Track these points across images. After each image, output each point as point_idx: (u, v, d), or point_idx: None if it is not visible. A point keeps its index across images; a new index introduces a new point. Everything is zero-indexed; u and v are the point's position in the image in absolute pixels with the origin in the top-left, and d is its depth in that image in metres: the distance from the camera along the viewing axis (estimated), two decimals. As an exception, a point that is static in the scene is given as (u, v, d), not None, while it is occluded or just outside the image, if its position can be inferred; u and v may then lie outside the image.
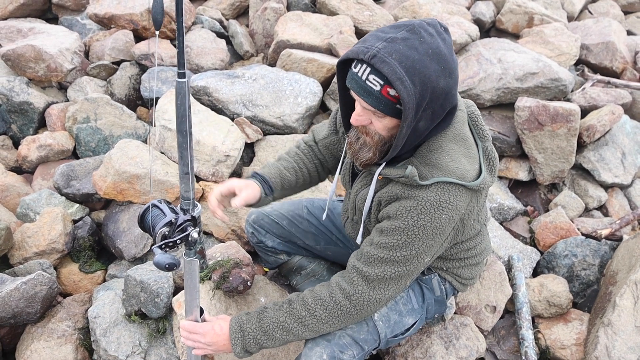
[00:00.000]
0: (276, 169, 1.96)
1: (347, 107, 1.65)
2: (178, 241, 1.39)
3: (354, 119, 1.54)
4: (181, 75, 1.26)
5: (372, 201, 1.68)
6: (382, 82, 1.40)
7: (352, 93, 1.50)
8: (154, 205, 1.41)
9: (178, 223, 1.38)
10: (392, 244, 1.57)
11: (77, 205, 2.71)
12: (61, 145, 2.96)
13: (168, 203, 1.43)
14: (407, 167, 1.52)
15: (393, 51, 1.38)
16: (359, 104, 1.51)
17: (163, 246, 1.37)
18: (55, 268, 2.50)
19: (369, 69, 1.41)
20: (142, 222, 1.43)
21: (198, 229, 1.43)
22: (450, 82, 1.45)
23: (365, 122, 1.54)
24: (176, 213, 1.40)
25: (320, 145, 2.04)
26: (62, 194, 2.71)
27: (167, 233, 1.37)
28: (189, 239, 1.42)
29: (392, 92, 1.41)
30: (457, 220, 1.61)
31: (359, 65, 1.44)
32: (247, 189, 1.82)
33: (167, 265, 1.33)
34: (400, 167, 1.56)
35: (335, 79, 3.27)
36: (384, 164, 1.61)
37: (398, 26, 1.44)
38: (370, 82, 1.42)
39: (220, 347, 1.68)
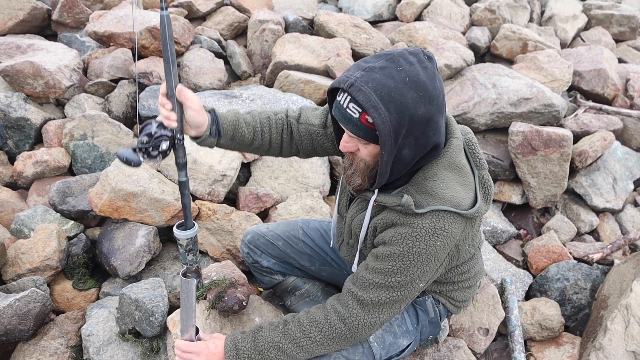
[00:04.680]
0: (235, 119, 1.80)
1: (340, 134, 1.68)
2: (150, 149, 1.56)
3: (342, 145, 1.58)
4: (164, 9, 1.47)
5: (367, 227, 1.69)
6: (360, 110, 1.44)
7: (338, 121, 1.54)
8: (150, 123, 1.61)
9: (156, 135, 1.57)
10: (387, 269, 1.59)
11: (72, 222, 2.70)
12: (57, 162, 2.96)
13: (163, 127, 1.60)
14: (403, 195, 1.55)
15: (369, 80, 1.42)
16: (345, 131, 1.55)
17: (136, 149, 1.55)
18: (48, 285, 2.48)
19: (349, 97, 1.46)
20: (140, 134, 1.61)
21: (169, 143, 1.60)
22: (432, 109, 1.46)
23: (352, 148, 1.57)
24: (162, 129, 1.60)
25: (303, 127, 1.90)
26: (57, 211, 2.70)
27: (145, 141, 1.56)
28: (159, 148, 1.58)
29: (370, 119, 1.44)
30: (451, 247, 1.62)
31: (342, 94, 1.49)
32: (196, 112, 1.65)
33: (125, 159, 1.52)
34: (396, 195, 1.58)
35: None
36: (378, 190, 1.63)
37: (379, 55, 1.48)
38: (350, 109, 1.46)
39: (214, 366, 1.68)
